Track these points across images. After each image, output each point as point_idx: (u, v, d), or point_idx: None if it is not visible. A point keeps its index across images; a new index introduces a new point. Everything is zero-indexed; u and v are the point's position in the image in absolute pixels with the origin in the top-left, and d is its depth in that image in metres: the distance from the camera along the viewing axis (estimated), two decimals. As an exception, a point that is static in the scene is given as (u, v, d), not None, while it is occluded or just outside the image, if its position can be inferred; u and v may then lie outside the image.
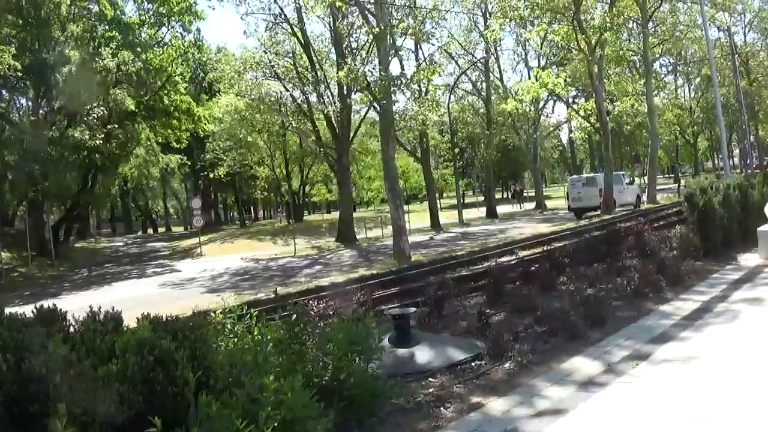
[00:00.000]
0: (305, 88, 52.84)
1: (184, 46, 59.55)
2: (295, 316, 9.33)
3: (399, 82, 32.00)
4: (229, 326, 9.04)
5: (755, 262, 18.54)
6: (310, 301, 14.98)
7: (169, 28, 58.56)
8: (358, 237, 52.78)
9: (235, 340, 8.46)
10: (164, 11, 55.97)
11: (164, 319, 7.24)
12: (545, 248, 26.06)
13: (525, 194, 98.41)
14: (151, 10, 57.31)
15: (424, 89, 53.26)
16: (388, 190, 33.29)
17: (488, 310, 14.35)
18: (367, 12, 33.08)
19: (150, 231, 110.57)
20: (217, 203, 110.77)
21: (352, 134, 54.24)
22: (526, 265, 19.94)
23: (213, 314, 9.75)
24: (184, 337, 6.87)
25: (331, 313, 13.62)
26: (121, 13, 56.28)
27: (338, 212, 61.33)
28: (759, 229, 19.24)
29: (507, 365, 10.82)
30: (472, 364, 11.02)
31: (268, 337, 8.39)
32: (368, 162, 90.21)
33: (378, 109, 33.07)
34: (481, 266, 23.41)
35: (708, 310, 13.43)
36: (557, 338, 12.20)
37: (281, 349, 8.49)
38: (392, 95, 32.40)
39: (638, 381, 9.37)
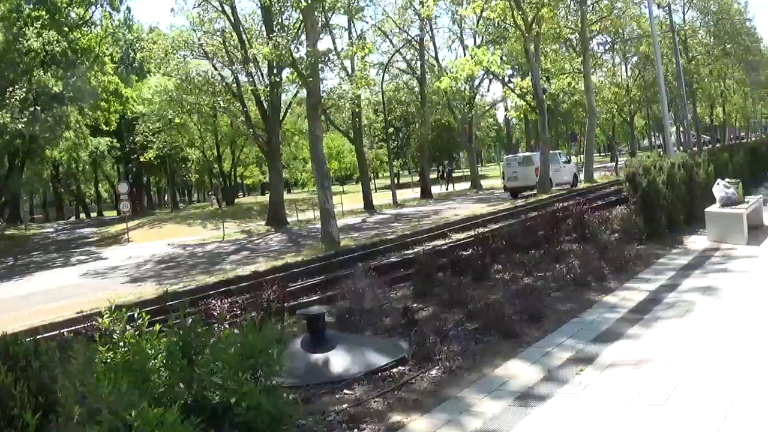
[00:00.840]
0: (234, 68, 51.04)
1: (112, 26, 57.47)
2: (190, 320, 7.70)
3: (326, 58, 30.49)
4: (117, 334, 7.36)
5: (703, 245, 17.32)
6: (213, 301, 13.43)
7: (98, 6, 56.40)
8: (289, 220, 51.37)
9: (123, 351, 6.86)
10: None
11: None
12: (479, 231, 25.37)
13: (456, 174, 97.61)
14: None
15: (357, 67, 51.79)
16: (315, 171, 32.09)
17: (415, 304, 13.19)
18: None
19: (83, 216, 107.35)
20: (149, 187, 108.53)
21: (282, 114, 52.58)
22: (457, 250, 18.77)
23: (100, 319, 8.05)
24: (26, 365, 5.35)
25: (238, 312, 12.13)
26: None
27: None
28: (706, 210, 18.05)
29: (434, 372, 9.38)
30: (395, 370, 9.57)
31: (151, 351, 6.85)
32: (302, 143, 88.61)
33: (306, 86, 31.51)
34: (411, 251, 22.83)
35: (657, 301, 12.12)
36: (491, 337, 10.80)
37: (168, 365, 6.93)
38: (320, 72, 30.89)
39: (584, 392, 7.95)
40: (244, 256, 32.38)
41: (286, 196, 75.86)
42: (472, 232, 27.13)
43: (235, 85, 52.79)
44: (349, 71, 56.67)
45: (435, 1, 49.93)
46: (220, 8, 50.12)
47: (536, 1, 45.19)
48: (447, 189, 73.22)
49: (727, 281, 13.03)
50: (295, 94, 55.23)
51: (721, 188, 18.29)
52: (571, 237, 19.14)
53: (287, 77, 38.28)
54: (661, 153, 29.34)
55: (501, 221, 30.16)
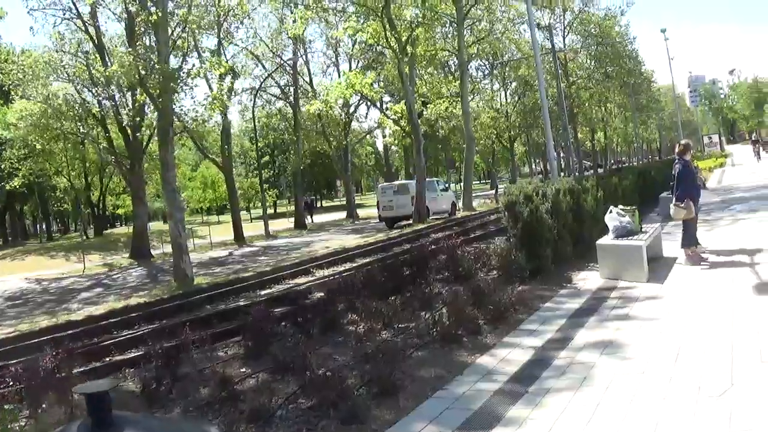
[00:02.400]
0: (96, 90, 47.61)
1: None
2: None
3: (179, 77, 27.45)
4: None
5: (596, 283, 14.80)
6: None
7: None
8: (156, 252, 49.14)
9: None
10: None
11: None
12: (342, 269, 23.34)
13: (333, 204, 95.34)
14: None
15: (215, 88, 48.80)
16: (166, 202, 29.13)
17: (244, 369, 10.42)
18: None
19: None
20: (17, 216, 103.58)
21: (147, 140, 49.34)
22: (304, 296, 16.04)
23: None
24: None
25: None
26: None
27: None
28: (598, 242, 15.55)
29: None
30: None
31: None
32: (179, 171, 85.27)
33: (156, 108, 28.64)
34: (268, 290, 21.38)
35: (545, 363, 9.51)
36: (328, 421, 8.01)
37: None
38: (175, 94, 27.86)
39: None
40: (97, 293, 30.05)
41: (158, 227, 72.68)
42: (338, 268, 25.10)
43: (98, 109, 49.37)
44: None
45: (303, 21, 47.42)
46: (83, 28, 46.82)
47: (410, 21, 43.05)
48: (311, 220, 70.04)
49: (631, 333, 10.47)
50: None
51: (614, 217, 15.82)
52: (444, 275, 16.59)
53: (138, 98, 35.07)
54: (543, 179, 27.08)
55: (371, 255, 28.25)
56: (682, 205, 15.66)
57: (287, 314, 13.36)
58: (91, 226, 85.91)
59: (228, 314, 16.63)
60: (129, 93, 45.50)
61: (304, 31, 63.57)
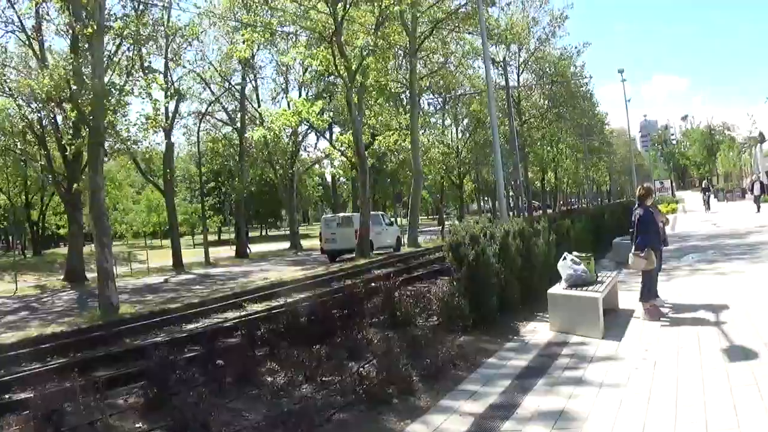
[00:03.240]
0: (37, 106, 45.65)
1: None
2: None
3: (111, 93, 25.88)
4: None
5: (545, 336, 13.41)
6: None
7: None
8: (91, 276, 46.26)
9: None
10: None
11: None
12: (275, 303, 22.30)
13: (277, 233, 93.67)
14: None
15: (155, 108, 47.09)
16: (93, 225, 27.48)
17: (140, 425, 8.88)
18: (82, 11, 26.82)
19: None
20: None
21: (84, 160, 47.66)
22: (222, 335, 14.61)
23: None
24: None
25: None
26: None
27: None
28: (549, 291, 14.17)
29: None
30: None
31: None
32: (123, 193, 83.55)
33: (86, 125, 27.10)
34: (194, 324, 20.37)
35: (486, 438, 8.04)
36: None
37: None
38: (104, 111, 26.18)
39: None
40: (21, 317, 28.44)
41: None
42: (271, 302, 23.98)
43: (38, 125, 47.51)
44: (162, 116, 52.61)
45: (249, 44, 46.05)
46: (26, 42, 45.01)
47: (361, 48, 41.96)
48: (246, 251, 68.37)
49: (586, 402, 9.05)
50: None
51: (568, 264, 14.44)
52: (379, 318, 15.16)
53: (69, 114, 33.39)
54: (491, 218, 25.71)
55: (307, 290, 26.68)
56: (642, 254, 14.29)
57: (199, 358, 11.78)
58: (29, 246, 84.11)
59: (141, 352, 15.19)
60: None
61: (253, 56, 62.60)
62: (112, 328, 20.03)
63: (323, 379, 10.76)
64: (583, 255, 15.14)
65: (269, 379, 11.11)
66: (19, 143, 49.26)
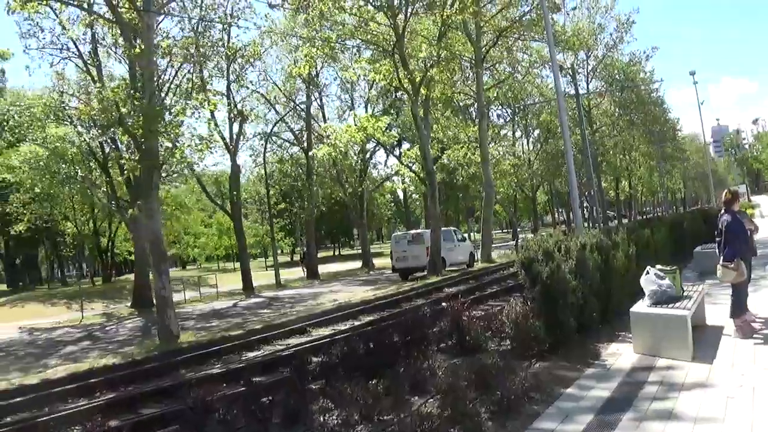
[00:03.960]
0: (93, 133, 45.34)
1: None
2: None
3: (163, 115, 24.98)
4: None
5: (628, 360, 12.13)
6: None
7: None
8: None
9: None
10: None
11: None
12: (343, 326, 21.77)
13: (350, 253, 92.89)
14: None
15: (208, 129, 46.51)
16: (150, 252, 26.70)
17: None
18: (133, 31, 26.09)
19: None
20: (35, 260, 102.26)
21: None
22: (270, 370, 13.64)
23: None
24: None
25: None
26: None
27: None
28: (632, 310, 12.87)
29: None
30: None
31: None
32: (192, 217, 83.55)
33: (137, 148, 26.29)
34: (255, 352, 19.67)
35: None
36: None
37: None
38: (156, 133, 25.23)
39: None
40: (83, 347, 28.10)
41: (177, 273, 70.60)
42: (339, 326, 23.27)
43: (100, 152, 47.34)
44: (228, 139, 52.14)
45: (309, 60, 45.15)
46: (83, 68, 44.77)
47: (425, 59, 40.91)
48: (304, 273, 67.16)
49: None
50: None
51: (652, 279, 13.11)
52: (446, 344, 14.00)
53: (120, 138, 32.77)
54: (566, 230, 24.32)
55: (377, 311, 26.30)
56: (731, 265, 12.91)
57: (244, 396, 10.70)
58: (99, 274, 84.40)
59: (194, 385, 14.24)
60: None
61: (317, 74, 61.96)
62: (168, 358, 19.38)
63: (381, 418, 9.63)
64: (668, 268, 13.80)
65: (320, 418, 9.99)
66: (80, 170, 49.01)
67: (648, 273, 13.36)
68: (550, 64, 64.20)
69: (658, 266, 13.91)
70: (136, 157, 29.55)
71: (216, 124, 51.65)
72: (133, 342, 27.73)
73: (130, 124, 24.97)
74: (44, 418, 12.56)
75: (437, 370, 11.88)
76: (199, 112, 28.53)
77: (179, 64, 28.37)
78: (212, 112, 47.20)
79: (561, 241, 14.98)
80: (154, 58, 25.60)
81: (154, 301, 26.18)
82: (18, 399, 15.10)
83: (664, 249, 22.97)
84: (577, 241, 15.28)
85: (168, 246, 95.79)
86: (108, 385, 16.10)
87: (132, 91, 26.16)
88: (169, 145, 25.72)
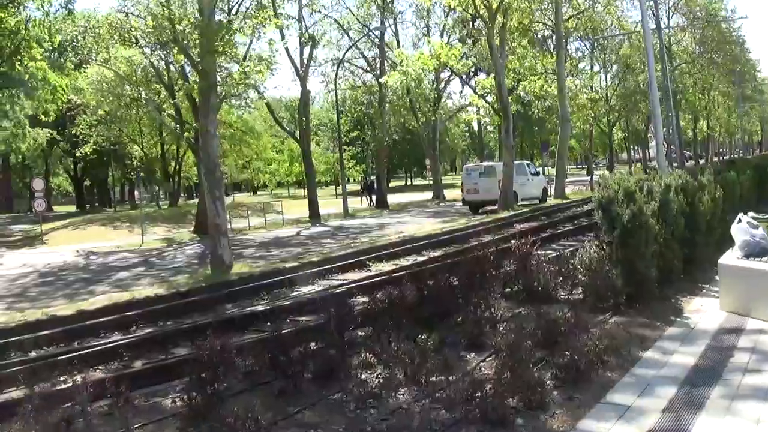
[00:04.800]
0: (158, 52, 44.37)
1: (42, 7, 51.96)
2: None
3: (222, 29, 23.70)
4: None
5: (715, 319, 10.75)
6: None
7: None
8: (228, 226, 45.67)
9: None
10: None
11: None
12: (405, 262, 21.43)
13: (422, 183, 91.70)
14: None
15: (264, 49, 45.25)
16: (204, 176, 25.90)
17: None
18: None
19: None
20: (104, 182, 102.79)
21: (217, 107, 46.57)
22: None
23: None
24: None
25: None
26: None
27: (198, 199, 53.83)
28: (720, 260, 11.48)
29: None
30: None
31: None
32: (262, 142, 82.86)
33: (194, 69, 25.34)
34: (307, 287, 18.52)
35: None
36: None
37: None
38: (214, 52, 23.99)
39: None
40: (136, 273, 27.40)
41: (247, 199, 70.18)
42: (400, 261, 22.13)
43: (165, 73, 46.74)
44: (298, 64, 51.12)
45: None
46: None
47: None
48: (370, 204, 65.70)
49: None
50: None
51: (744, 229, 11.60)
52: (512, 290, 12.72)
53: (175, 57, 31.66)
54: (646, 169, 22.83)
55: (443, 246, 25.04)
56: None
57: (271, 344, 9.41)
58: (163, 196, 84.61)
59: (233, 323, 13.70)
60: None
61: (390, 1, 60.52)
62: (214, 291, 18.37)
63: (429, 379, 8.38)
64: (762, 216, 12.30)
65: (362, 376, 8.78)
66: (144, 92, 48.41)
67: (740, 221, 11.84)
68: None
69: (751, 213, 12.44)
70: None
71: (286, 48, 50.70)
72: (187, 270, 27.07)
73: (185, 42, 23.89)
74: (59, 357, 11.50)
75: (500, 320, 10.64)
76: (260, 32, 27.18)
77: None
78: (281, 32, 46.21)
79: (642, 181, 13.54)
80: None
81: (209, 230, 25.07)
82: (45, 332, 14.08)
83: (749, 194, 21.33)
84: (660, 181, 13.82)
85: (238, 171, 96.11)
86: (142, 320, 15.28)
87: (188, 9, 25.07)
88: (227, 65, 24.60)
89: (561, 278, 12.89)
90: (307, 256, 25.64)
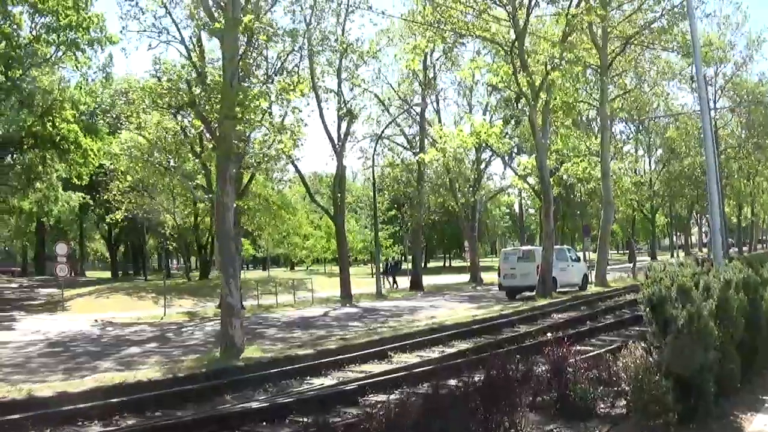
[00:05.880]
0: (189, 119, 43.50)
1: (78, 68, 52.17)
2: None
3: (245, 100, 22.29)
4: None
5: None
6: None
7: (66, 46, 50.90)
8: (247, 303, 44.89)
9: None
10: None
11: None
12: (430, 355, 19.99)
13: (461, 264, 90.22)
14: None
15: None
16: (219, 251, 24.44)
17: None
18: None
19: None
20: (126, 250, 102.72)
21: (247, 179, 45.53)
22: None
23: None
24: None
25: None
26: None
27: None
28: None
29: None
30: None
31: None
32: (297, 218, 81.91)
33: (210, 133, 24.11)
34: (318, 379, 17.27)
35: None
36: None
37: None
38: (235, 119, 22.57)
39: None
40: (146, 350, 26.47)
41: (284, 274, 68.96)
42: (425, 353, 20.63)
43: (198, 141, 45.91)
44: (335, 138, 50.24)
45: (419, 52, 42.77)
46: (185, 54, 42.64)
47: (546, 61, 38.07)
48: (393, 287, 63.15)
49: None
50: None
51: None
52: (544, 399, 10.90)
53: (194, 122, 30.53)
54: (699, 257, 20.87)
55: (474, 336, 23.62)
56: None
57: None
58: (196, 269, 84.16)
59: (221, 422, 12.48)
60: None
61: (434, 76, 60.05)
62: (216, 379, 17.05)
63: None
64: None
65: None
66: (173, 160, 47.62)
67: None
68: (679, 75, 61.24)
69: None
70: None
71: (323, 122, 49.78)
72: (201, 348, 25.92)
73: (202, 105, 22.57)
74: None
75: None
76: (283, 100, 25.67)
77: (286, 54, 26.00)
78: (319, 105, 45.37)
79: (698, 275, 11.69)
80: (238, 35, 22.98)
81: (221, 310, 23.66)
82: (13, 416, 12.76)
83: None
84: (719, 275, 11.95)
85: (275, 245, 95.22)
86: (127, 409, 14.06)
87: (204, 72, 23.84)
88: (247, 132, 23.27)
89: (601, 386, 11.03)
90: (327, 342, 23.96)
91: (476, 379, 10.04)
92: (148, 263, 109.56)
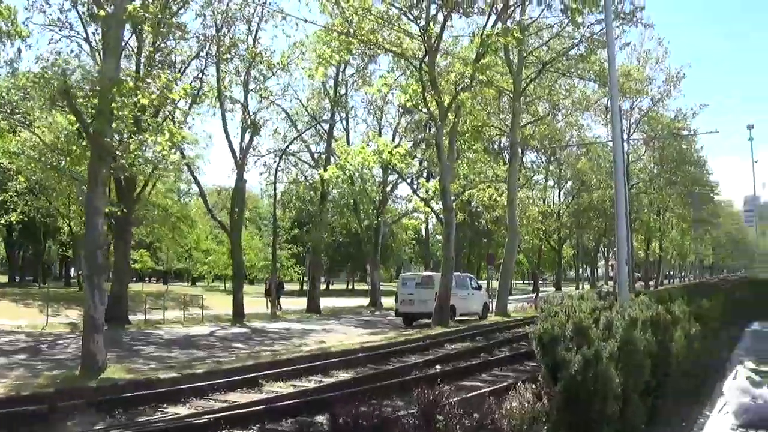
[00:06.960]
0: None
1: None
2: None
3: (123, 90, 20.39)
4: None
5: None
6: None
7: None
8: (135, 318, 43.99)
9: None
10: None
11: None
12: (305, 385, 18.65)
13: (364, 288, 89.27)
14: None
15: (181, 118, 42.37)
16: (84, 259, 22.35)
17: None
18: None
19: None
20: (25, 255, 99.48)
21: (141, 186, 45.11)
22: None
23: None
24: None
25: None
26: None
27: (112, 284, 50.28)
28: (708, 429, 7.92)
29: None
30: None
31: None
32: (196, 231, 79.80)
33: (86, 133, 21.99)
34: (174, 409, 15.54)
35: None
36: None
37: None
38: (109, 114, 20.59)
39: None
40: (12, 362, 24.43)
41: (184, 289, 70.45)
42: (301, 382, 19.19)
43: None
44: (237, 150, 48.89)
45: (322, 63, 41.34)
46: (89, 53, 40.74)
47: (456, 81, 36.92)
48: (276, 310, 60.45)
49: None
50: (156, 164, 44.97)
51: (741, 387, 7.99)
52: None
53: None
54: (602, 290, 19.50)
55: (357, 367, 22.14)
56: None
57: None
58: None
59: None
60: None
61: (346, 93, 58.83)
62: (63, 400, 15.01)
63: None
64: (764, 369, 8.79)
65: None
66: (63, 161, 45.58)
67: (736, 377, 8.30)
68: (594, 106, 60.74)
69: (748, 363, 8.98)
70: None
71: (226, 133, 48.18)
72: (70, 363, 23.61)
73: (78, 97, 20.54)
74: None
75: None
76: (167, 99, 23.64)
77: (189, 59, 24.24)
78: (223, 115, 44.17)
79: (599, 310, 10.12)
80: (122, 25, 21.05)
81: (83, 324, 21.50)
82: None
83: (717, 326, 18.11)
84: (623, 312, 10.39)
85: (174, 260, 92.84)
86: None
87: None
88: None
89: (481, 433, 9.36)
90: (198, 366, 22.06)
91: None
92: (53, 270, 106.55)
